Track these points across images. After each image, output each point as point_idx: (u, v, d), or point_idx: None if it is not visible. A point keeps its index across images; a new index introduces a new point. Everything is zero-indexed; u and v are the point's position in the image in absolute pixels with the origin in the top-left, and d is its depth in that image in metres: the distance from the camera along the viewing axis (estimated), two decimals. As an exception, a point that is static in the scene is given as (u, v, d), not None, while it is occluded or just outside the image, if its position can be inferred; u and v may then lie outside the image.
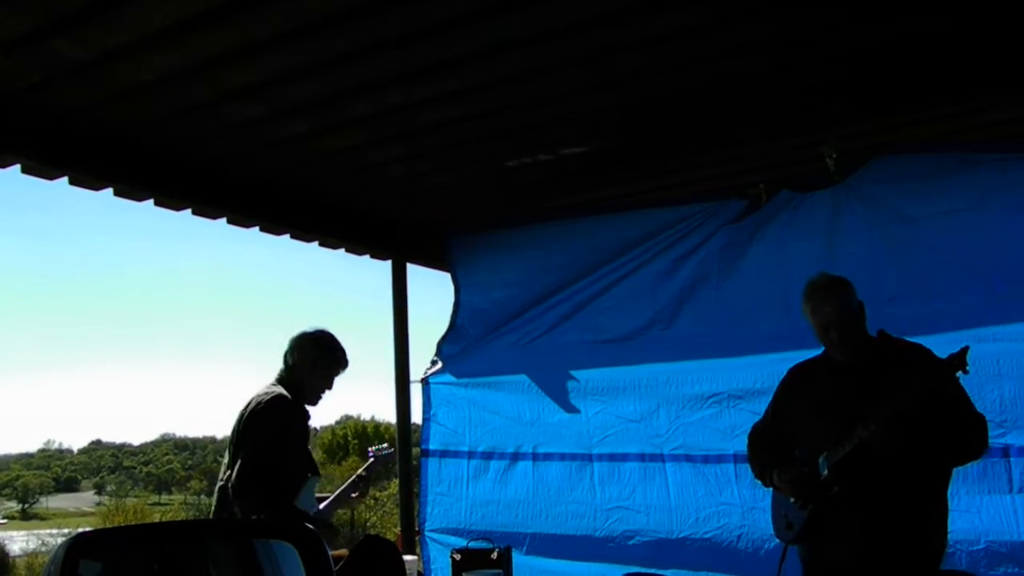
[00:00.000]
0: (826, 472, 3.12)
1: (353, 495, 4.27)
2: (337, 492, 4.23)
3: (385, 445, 4.67)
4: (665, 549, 4.81)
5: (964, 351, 2.88)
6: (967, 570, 3.86)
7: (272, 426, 3.63)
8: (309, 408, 3.90)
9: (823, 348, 3.32)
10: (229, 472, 3.60)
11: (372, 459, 4.49)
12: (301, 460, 3.81)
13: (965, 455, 3.18)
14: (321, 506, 4.04)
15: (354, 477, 4.33)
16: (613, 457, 5.10)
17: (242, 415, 3.70)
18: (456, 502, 5.50)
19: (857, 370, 3.17)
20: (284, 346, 3.92)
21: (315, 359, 3.88)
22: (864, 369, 3.16)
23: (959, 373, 2.89)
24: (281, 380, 3.84)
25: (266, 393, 3.72)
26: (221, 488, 3.68)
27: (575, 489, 5.17)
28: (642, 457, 5.01)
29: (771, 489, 3.50)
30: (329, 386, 3.94)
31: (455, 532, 5.41)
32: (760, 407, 3.71)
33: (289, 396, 3.74)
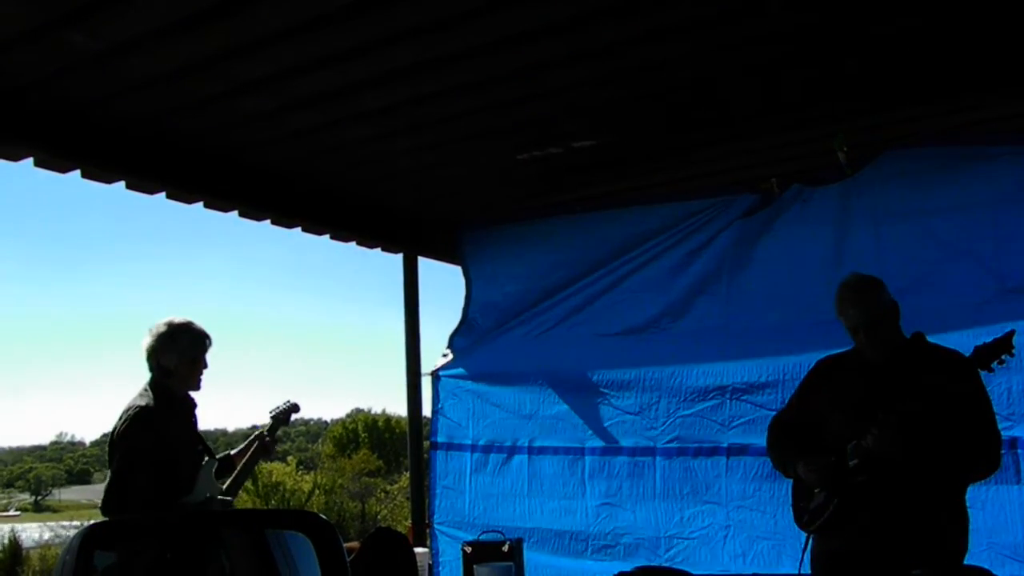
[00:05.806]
0: (855, 461, 3.09)
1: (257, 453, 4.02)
2: (241, 464, 3.97)
3: (284, 402, 4.21)
4: (652, 547, 4.80)
5: (1010, 335, 2.84)
6: (975, 564, 3.84)
7: (133, 442, 3.49)
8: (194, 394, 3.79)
9: (841, 343, 3.31)
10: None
11: (272, 419, 4.13)
12: (187, 458, 3.68)
13: (976, 466, 3.13)
14: (225, 486, 3.86)
15: (253, 439, 4.07)
16: (605, 451, 5.07)
17: (113, 428, 3.58)
18: (460, 495, 5.50)
19: (887, 370, 3.14)
20: (146, 350, 3.67)
21: (194, 353, 3.71)
22: (894, 370, 3.13)
23: (1005, 356, 2.85)
24: (157, 384, 3.66)
25: (130, 407, 3.57)
26: None
27: (567, 484, 5.15)
28: (633, 451, 4.98)
29: (779, 483, 3.49)
30: (206, 365, 3.77)
31: (459, 525, 5.42)
32: (765, 400, 3.69)
33: (152, 406, 3.56)
